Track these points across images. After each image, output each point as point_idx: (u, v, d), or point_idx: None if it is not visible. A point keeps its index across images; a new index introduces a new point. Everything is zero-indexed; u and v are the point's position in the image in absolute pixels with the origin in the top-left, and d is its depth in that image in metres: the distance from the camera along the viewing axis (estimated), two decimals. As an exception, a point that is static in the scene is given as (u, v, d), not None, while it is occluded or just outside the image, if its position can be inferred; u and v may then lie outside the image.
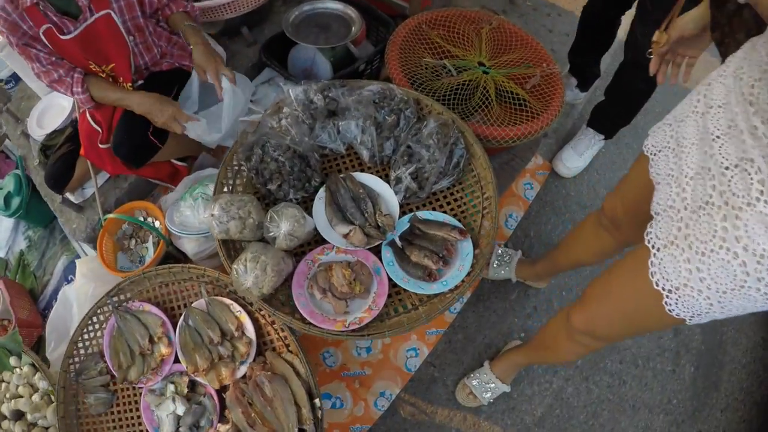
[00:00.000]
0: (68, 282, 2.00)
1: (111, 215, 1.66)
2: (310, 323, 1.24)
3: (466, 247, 1.31)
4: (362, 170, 1.46)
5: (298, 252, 1.35)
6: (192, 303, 1.46)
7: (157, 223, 1.71)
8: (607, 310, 1.05)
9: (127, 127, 1.58)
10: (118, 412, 1.46)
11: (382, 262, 1.32)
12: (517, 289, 1.67)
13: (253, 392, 1.31)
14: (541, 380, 1.58)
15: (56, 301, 1.83)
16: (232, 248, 1.35)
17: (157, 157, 1.65)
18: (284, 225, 1.25)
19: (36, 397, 1.64)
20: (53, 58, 1.50)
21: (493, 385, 1.54)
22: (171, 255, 1.68)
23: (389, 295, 1.30)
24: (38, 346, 1.91)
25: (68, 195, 1.94)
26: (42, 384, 1.67)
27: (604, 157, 1.90)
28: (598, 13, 1.78)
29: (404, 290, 1.28)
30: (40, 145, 2.05)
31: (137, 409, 1.42)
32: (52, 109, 2.13)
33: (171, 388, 1.39)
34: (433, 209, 1.41)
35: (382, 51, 1.71)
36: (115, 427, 1.45)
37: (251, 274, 1.21)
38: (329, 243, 1.33)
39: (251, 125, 1.46)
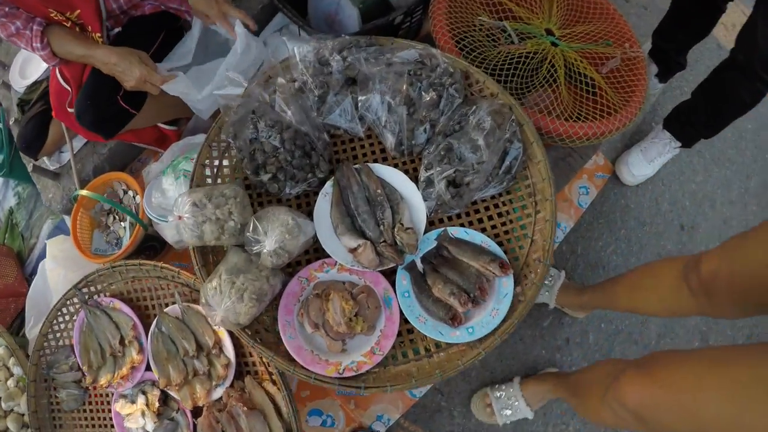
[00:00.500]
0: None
1: (82, 192, 1.32)
2: (295, 362, 0.95)
3: (505, 285, 0.96)
4: (384, 161, 1.08)
5: (291, 262, 1.01)
6: (165, 307, 1.19)
7: (138, 198, 1.39)
8: (681, 406, 0.72)
9: (91, 90, 1.21)
10: (91, 410, 1.28)
11: (395, 290, 1.00)
12: (551, 316, 1.35)
13: (227, 424, 1.05)
14: (558, 421, 1.32)
15: (37, 273, 1.56)
16: (210, 252, 1.03)
17: (134, 124, 1.28)
18: (270, 238, 0.90)
19: (11, 383, 1.43)
20: (7, 9, 1.13)
21: (517, 404, 1.27)
22: (152, 238, 1.36)
23: (399, 333, 1.00)
24: (23, 319, 1.68)
25: (44, 160, 1.62)
26: (16, 370, 1.45)
27: (672, 164, 1.49)
28: None
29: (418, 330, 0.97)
30: (18, 100, 1.70)
31: (110, 410, 1.23)
32: (36, 57, 1.76)
33: (141, 399, 1.16)
34: (470, 223, 1.05)
35: (426, 1, 1.26)
36: (88, 426, 1.28)
37: (224, 302, 0.89)
38: (331, 257, 1.01)
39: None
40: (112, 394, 1.21)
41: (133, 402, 1.17)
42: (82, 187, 1.40)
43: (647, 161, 1.40)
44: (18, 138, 1.57)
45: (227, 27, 1.22)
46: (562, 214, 1.38)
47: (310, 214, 1.03)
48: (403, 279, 0.99)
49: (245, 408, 1.05)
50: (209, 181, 1.09)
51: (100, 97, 1.20)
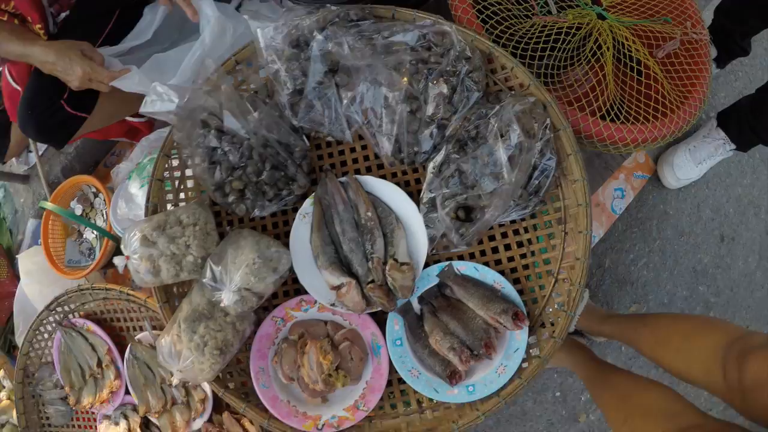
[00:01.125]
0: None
1: (46, 205, 1.07)
2: (271, 415, 0.76)
3: (518, 338, 0.74)
4: (380, 170, 0.81)
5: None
6: (140, 331, 1.02)
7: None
8: None
9: (30, 96, 0.94)
10: (79, 426, 1.16)
11: (385, 337, 0.78)
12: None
13: (203, 459, 0.90)
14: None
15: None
16: (175, 284, 0.81)
17: (89, 127, 1.00)
18: (231, 284, 0.67)
19: (3, 395, 1.32)
20: None
21: None
22: None
23: (389, 382, 0.80)
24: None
25: (13, 162, 1.38)
26: (7, 383, 1.34)
27: (718, 165, 1.21)
28: None
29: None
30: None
31: (97, 428, 1.10)
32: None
33: (124, 423, 1.03)
34: (482, 253, 0.80)
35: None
36: None
37: (182, 359, 0.69)
38: (310, 296, 0.78)
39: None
40: (97, 414, 1.09)
41: (116, 424, 1.05)
42: (51, 191, 1.18)
43: (695, 163, 1.12)
44: None
45: (189, 10, 0.90)
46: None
47: (286, 239, 0.79)
48: (395, 324, 0.77)
49: None
50: (170, 196, 0.84)
51: (41, 104, 0.92)
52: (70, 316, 1.09)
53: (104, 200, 1.14)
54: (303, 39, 0.76)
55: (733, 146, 1.10)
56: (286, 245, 0.77)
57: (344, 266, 0.75)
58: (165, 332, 0.73)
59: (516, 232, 0.80)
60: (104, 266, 1.16)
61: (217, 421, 0.94)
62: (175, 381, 0.87)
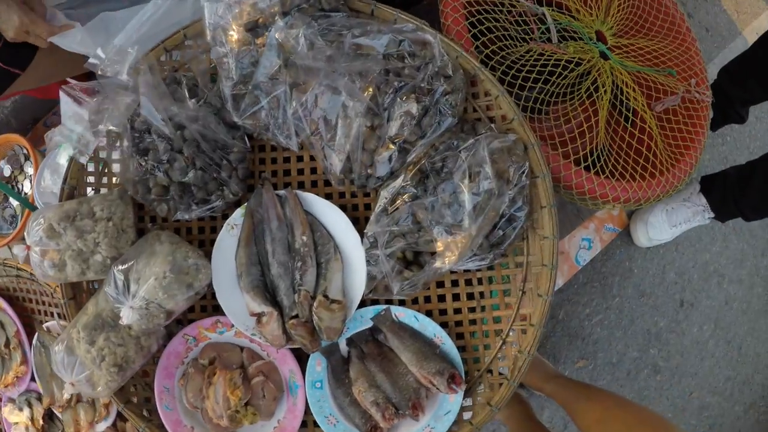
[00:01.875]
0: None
1: None
2: None
3: (451, 399, 0.61)
4: (326, 187, 0.66)
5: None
6: (51, 317, 0.85)
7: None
8: None
9: None
10: None
11: (304, 377, 0.65)
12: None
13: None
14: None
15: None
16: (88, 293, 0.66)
17: (21, 85, 0.80)
18: (136, 296, 0.54)
19: None
20: None
21: None
22: None
23: (303, 422, 0.67)
24: None
25: None
26: None
27: (689, 228, 1.11)
28: None
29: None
30: None
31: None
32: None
33: (27, 412, 0.88)
34: (426, 299, 0.65)
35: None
36: None
37: (75, 370, 0.56)
38: (228, 318, 0.64)
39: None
40: (1, 397, 0.94)
41: (20, 410, 0.90)
42: None
43: (670, 225, 1.02)
44: None
45: None
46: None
47: (209, 250, 0.64)
48: (317, 364, 0.63)
49: None
50: (92, 179, 0.68)
51: None
52: None
53: (33, 165, 0.96)
54: (262, 22, 0.61)
55: (712, 215, 1.00)
56: (209, 255, 0.63)
57: (268, 292, 0.61)
58: (62, 337, 0.59)
59: (468, 282, 0.67)
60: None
61: (120, 429, 0.80)
62: (66, 394, 0.73)
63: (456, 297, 0.66)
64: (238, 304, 0.62)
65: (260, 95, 0.60)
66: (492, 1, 0.75)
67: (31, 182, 0.95)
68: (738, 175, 0.94)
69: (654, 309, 1.08)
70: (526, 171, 0.60)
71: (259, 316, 0.60)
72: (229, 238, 0.64)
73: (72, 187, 0.67)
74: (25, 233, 0.62)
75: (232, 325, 0.63)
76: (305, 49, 0.55)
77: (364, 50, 0.58)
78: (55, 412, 0.84)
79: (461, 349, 0.64)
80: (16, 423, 0.86)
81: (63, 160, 0.81)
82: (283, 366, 0.64)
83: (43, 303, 0.84)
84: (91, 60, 0.64)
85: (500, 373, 0.64)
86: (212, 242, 0.65)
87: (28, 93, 0.97)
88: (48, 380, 0.82)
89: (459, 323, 0.66)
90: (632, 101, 0.79)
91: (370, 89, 0.58)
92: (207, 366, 0.63)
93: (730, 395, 1.15)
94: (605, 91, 0.77)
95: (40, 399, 0.86)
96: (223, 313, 0.63)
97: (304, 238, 0.61)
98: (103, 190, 0.70)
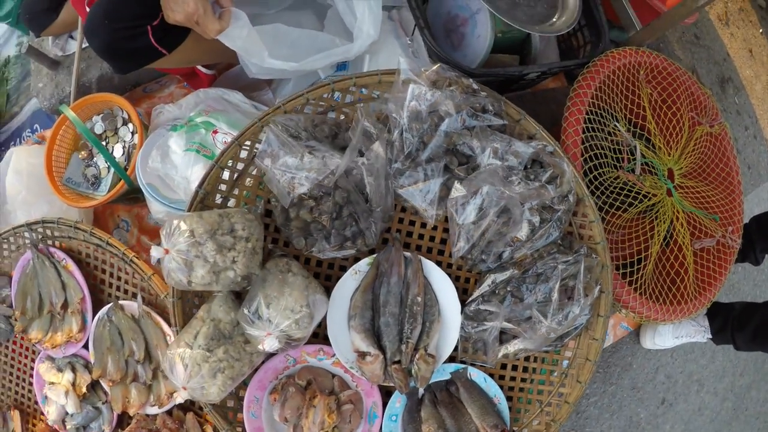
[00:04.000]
0: (31, 132, 1.51)
1: (66, 111, 1.06)
2: None
3: None
4: (440, 256, 0.98)
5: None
6: (124, 293, 1.08)
7: (136, 138, 1.16)
8: None
9: (113, 5, 0.91)
10: (14, 352, 1.20)
11: (383, 409, 0.97)
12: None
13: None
14: None
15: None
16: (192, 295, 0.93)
17: (163, 63, 1.01)
18: (274, 325, 0.80)
19: None
20: None
21: None
22: (138, 189, 1.15)
23: (368, 447, 0.99)
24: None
25: (48, 40, 1.35)
26: None
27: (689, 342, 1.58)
28: None
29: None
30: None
31: (33, 366, 1.16)
32: None
33: (69, 376, 1.09)
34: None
35: (570, 72, 1.09)
36: (7, 366, 1.22)
37: (192, 378, 0.81)
38: (331, 348, 0.94)
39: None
40: (39, 352, 1.15)
41: (60, 371, 1.11)
42: (78, 96, 1.16)
43: (674, 336, 1.46)
44: (22, 4, 1.27)
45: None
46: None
47: (329, 288, 0.93)
48: (398, 401, 0.96)
49: None
50: (223, 187, 0.93)
51: (125, 19, 0.90)
52: (50, 242, 1.11)
53: (133, 132, 1.16)
54: (438, 110, 0.90)
55: (710, 336, 1.45)
56: (326, 290, 0.91)
57: (375, 336, 0.92)
58: (177, 342, 0.84)
59: (526, 359, 1.03)
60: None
61: (177, 417, 1.05)
62: (179, 399, 0.96)
63: (514, 368, 1.02)
64: (344, 339, 0.92)
65: (420, 171, 0.90)
66: (600, 127, 1.11)
67: (124, 148, 1.15)
68: (741, 311, 1.39)
69: (640, 401, 1.53)
70: (600, 287, 0.96)
71: (363, 355, 0.91)
72: (351, 281, 0.93)
73: (206, 192, 0.92)
74: (162, 234, 0.82)
75: (333, 355, 0.93)
76: (484, 164, 0.87)
77: (511, 159, 0.90)
78: (104, 385, 1.07)
79: (508, 408, 0.99)
80: (53, 383, 1.08)
81: (176, 146, 1.03)
82: (368, 398, 0.95)
83: (119, 279, 1.07)
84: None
85: (534, 434, 1.01)
86: (327, 277, 0.95)
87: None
88: (104, 353, 1.05)
89: (511, 388, 1.03)
90: (680, 236, 1.19)
91: (514, 197, 0.90)
92: (304, 387, 0.92)
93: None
94: (664, 224, 1.15)
95: (86, 367, 1.09)
96: (325, 342, 0.93)
97: (419, 299, 0.92)
98: (230, 201, 0.96)
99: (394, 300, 0.93)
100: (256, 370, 0.92)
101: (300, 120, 0.87)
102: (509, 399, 1.02)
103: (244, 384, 0.94)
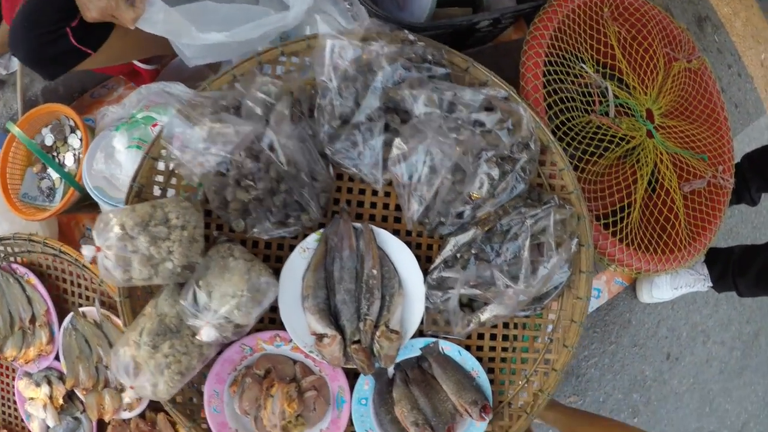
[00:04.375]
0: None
1: (12, 128, 0.95)
2: None
3: (477, 425, 0.81)
4: (396, 224, 0.82)
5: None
6: (86, 300, 0.96)
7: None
8: None
9: (31, 11, 0.80)
10: None
11: (351, 393, 0.82)
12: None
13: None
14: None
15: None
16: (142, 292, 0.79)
17: (90, 64, 0.89)
18: (213, 312, 0.67)
19: None
20: None
21: None
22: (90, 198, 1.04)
23: (342, 434, 0.84)
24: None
25: None
26: None
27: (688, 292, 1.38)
28: None
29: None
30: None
31: (14, 382, 1.05)
32: None
33: (45, 389, 0.99)
34: (468, 336, 0.85)
35: (528, 15, 0.91)
36: None
37: (138, 377, 0.68)
38: (287, 333, 0.79)
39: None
40: (17, 370, 1.04)
41: (38, 385, 1.01)
42: (25, 110, 1.05)
43: (672, 287, 1.26)
44: None
45: None
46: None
47: (278, 270, 0.78)
48: (365, 383, 0.80)
49: None
50: (161, 179, 0.79)
51: (42, 24, 0.79)
52: (11, 259, 1.00)
53: (80, 139, 1.04)
54: (367, 64, 0.74)
55: (711, 285, 1.25)
56: (275, 272, 0.77)
57: (332, 316, 0.77)
58: (124, 341, 0.71)
59: (505, 326, 0.86)
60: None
61: (149, 419, 0.93)
62: (127, 398, 0.84)
63: (492, 337, 0.86)
64: (300, 323, 0.77)
65: (356, 133, 0.74)
66: (564, 69, 0.92)
67: (75, 155, 1.03)
68: (741, 255, 1.19)
69: (643, 358, 1.34)
70: (576, 241, 0.79)
71: (321, 337, 0.75)
72: (300, 260, 0.78)
73: (141, 186, 0.79)
74: (94, 233, 0.71)
75: (290, 340, 0.78)
76: (420, 113, 0.70)
77: (459, 107, 0.73)
78: (78, 393, 0.95)
79: (490, 381, 0.83)
80: (32, 398, 0.97)
81: (119, 145, 0.90)
82: (333, 382, 0.80)
83: (79, 286, 0.95)
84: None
85: (520, 407, 0.84)
86: (277, 258, 0.80)
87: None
88: (74, 362, 0.93)
89: (491, 359, 0.86)
90: (666, 181, 1.00)
91: (459, 149, 0.74)
92: (263, 376, 0.77)
93: (695, 445, 1.46)
94: (646, 170, 0.97)
95: (61, 378, 0.98)
96: (281, 328, 0.78)
97: (374, 271, 0.76)
98: (170, 191, 0.82)
99: (348, 276, 0.78)
100: (212, 363, 0.79)
101: (206, 99, 0.72)
102: (490, 371, 0.85)
103: (205, 378, 0.81)
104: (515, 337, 0.87)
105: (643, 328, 1.34)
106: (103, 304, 0.92)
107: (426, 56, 0.76)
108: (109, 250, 0.67)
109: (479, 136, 0.75)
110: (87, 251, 0.68)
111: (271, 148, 0.73)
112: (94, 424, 0.97)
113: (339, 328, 0.77)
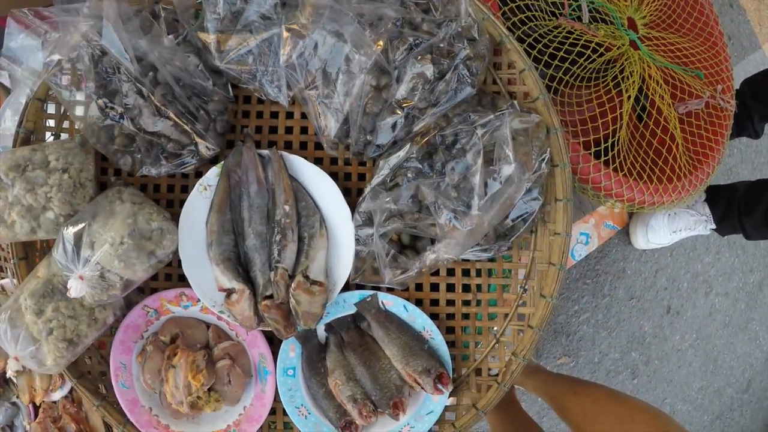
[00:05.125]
0: None
1: None
2: (127, 420, 0.53)
3: (435, 399, 0.54)
4: (316, 151, 0.55)
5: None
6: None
7: None
8: None
9: None
10: None
11: (275, 363, 0.56)
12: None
13: (57, 439, 0.67)
14: None
15: None
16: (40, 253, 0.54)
17: None
18: (87, 265, 0.43)
19: None
20: None
21: None
22: None
23: (272, 410, 0.58)
24: None
25: None
26: None
27: (688, 236, 1.04)
28: None
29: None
30: None
31: None
32: None
33: None
34: (418, 287, 0.57)
35: None
36: None
37: (19, 343, 0.46)
38: (192, 291, 0.54)
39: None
40: None
41: None
42: None
43: (670, 230, 0.94)
44: None
45: None
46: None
47: (177, 213, 0.53)
48: (291, 350, 0.54)
49: (78, 430, 0.67)
50: (52, 123, 0.56)
51: None
52: None
53: None
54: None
55: (714, 227, 0.92)
56: (177, 219, 0.52)
57: (241, 266, 0.51)
58: (7, 305, 0.49)
59: (465, 273, 0.57)
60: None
61: (77, 400, 0.70)
62: (9, 371, 0.62)
63: (450, 287, 0.57)
64: (207, 277, 0.52)
65: (249, 38, 0.48)
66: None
67: None
68: (747, 191, 0.86)
69: (641, 312, 1.02)
70: (546, 158, 0.50)
71: (228, 293, 0.50)
72: (201, 200, 0.52)
73: (28, 132, 0.55)
74: None
75: (198, 300, 0.53)
76: None
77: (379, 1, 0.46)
78: (10, 376, 0.74)
79: (450, 344, 0.56)
80: (-35, 382, 0.76)
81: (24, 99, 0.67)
82: (252, 349, 0.54)
83: None
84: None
85: (490, 375, 0.56)
86: (182, 203, 0.55)
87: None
88: (-3, 340, 0.71)
89: (451, 316, 0.57)
90: (657, 98, 0.69)
91: (381, 42, 0.47)
92: (168, 344, 0.53)
93: (700, 405, 1.12)
94: (633, 82, 0.66)
95: None
96: (189, 285, 0.53)
97: (287, 207, 0.50)
98: (65, 137, 0.59)
99: (259, 216, 0.51)
100: (115, 330, 0.55)
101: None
102: (449, 331, 0.57)
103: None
104: (479, 288, 0.58)
105: (639, 278, 1.01)
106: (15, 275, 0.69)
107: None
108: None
109: (406, 24, 0.47)
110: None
111: (151, 65, 0.49)
112: (32, 408, 0.75)
113: (250, 281, 0.51)
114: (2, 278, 0.72)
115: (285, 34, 0.46)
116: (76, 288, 0.45)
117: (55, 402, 0.71)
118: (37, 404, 0.72)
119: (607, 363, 1.01)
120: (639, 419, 0.56)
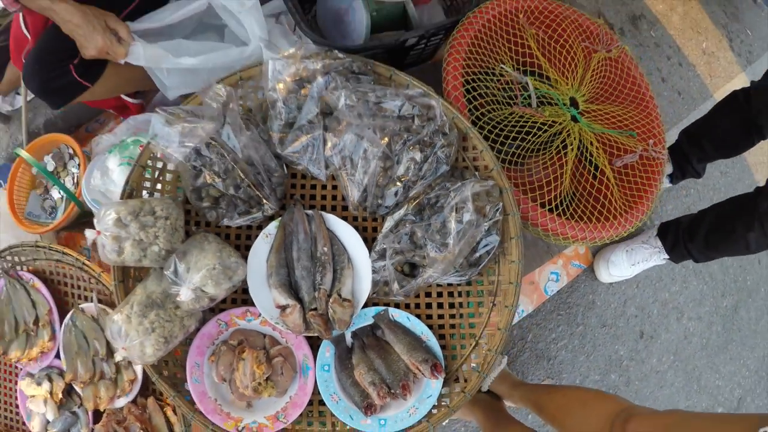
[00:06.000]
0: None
1: (21, 152, 1.20)
2: (196, 409, 0.91)
3: (433, 386, 0.93)
4: (344, 210, 1.00)
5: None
6: (85, 300, 1.14)
7: (80, 168, 1.27)
8: None
9: (42, 52, 1.05)
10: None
11: (315, 360, 0.97)
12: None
13: (121, 441, 1.04)
14: None
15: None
16: (133, 266, 0.95)
17: (88, 96, 1.13)
18: (190, 282, 0.83)
19: None
20: None
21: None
22: (90, 213, 1.25)
23: (310, 401, 0.98)
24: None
25: None
26: None
27: (652, 269, 1.45)
28: (748, 113, 1.24)
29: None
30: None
31: (17, 382, 1.20)
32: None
33: (46, 385, 1.14)
34: (417, 305, 1.00)
35: (452, 27, 1.13)
36: None
37: (129, 337, 0.84)
38: (256, 309, 0.95)
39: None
40: (20, 370, 1.19)
41: (39, 384, 1.15)
42: (29, 140, 1.29)
43: (629, 264, 1.39)
44: None
45: None
46: (524, 298, 1.36)
47: (246, 256, 0.95)
48: (327, 351, 0.95)
49: (143, 429, 1.04)
50: (148, 184, 0.98)
51: (51, 62, 1.03)
52: (18, 268, 1.19)
53: (78, 164, 1.26)
54: (306, 78, 0.95)
55: (667, 256, 1.38)
56: (244, 257, 0.94)
57: (292, 290, 0.93)
58: (118, 310, 0.87)
59: (450, 294, 1.00)
60: (62, 228, 1.28)
61: (140, 404, 1.07)
62: (118, 357, 1.00)
63: (440, 305, 1.00)
64: (266, 299, 0.93)
65: (301, 135, 0.94)
66: (485, 70, 1.12)
67: (73, 179, 1.26)
68: (689, 222, 1.32)
69: (615, 338, 1.44)
70: (500, 209, 0.95)
71: (283, 308, 0.91)
72: (263, 245, 0.95)
73: (132, 188, 0.97)
74: (95, 221, 0.88)
75: (259, 315, 0.94)
76: (344, 105, 0.90)
77: (383, 110, 0.93)
78: (76, 387, 1.11)
79: (442, 347, 0.96)
80: (33, 396, 1.13)
81: (112, 164, 1.11)
82: (298, 351, 0.95)
83: (79, 287, 1.12)
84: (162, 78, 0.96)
85: (473, 367, 0.97)
86: (246, 247, 0.97)
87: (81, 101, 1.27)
88: (73, 357, 1.08)
89: (441, 326, 0.99)
90: (596, 159, 1.17)
91: (386, 139, 0.92)
92: (236, 346, 0.93)
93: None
94: (572, 149, 1.13)
95: (61, 375, 1.12)
96: (252, 305, 0.94)
97: (325, 249, 0.93)
98: (155, 194, 1.02)
99: (305, 255, 0.94)
100: (193, 338, 0.95)
101: (180, 110, 0.93)
102: (441, 337, 0.98)
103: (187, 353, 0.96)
104: (461, 305, 1.01)
105: (609, 308, 1.44)
106: (100, 301, 1.09)
107: (353, 68, 0.97)
108: (107, 232, 0.85)
109: (402, 127, 0.94)
110: (89, 234, 0.85)
111: (232, 148, 0.94)
112: (90, 414, 1.10)
113: (299, 300, 0.92)
114: (85, 303, 1.12)
115: (327, 135, 0.92)
116: (185, 294, 0.85)
117: (120, 408, 1.08)
118: (101, 410, 1.08)
119: (589, 384, 1.40)
120: (599, 400, 0.92)
